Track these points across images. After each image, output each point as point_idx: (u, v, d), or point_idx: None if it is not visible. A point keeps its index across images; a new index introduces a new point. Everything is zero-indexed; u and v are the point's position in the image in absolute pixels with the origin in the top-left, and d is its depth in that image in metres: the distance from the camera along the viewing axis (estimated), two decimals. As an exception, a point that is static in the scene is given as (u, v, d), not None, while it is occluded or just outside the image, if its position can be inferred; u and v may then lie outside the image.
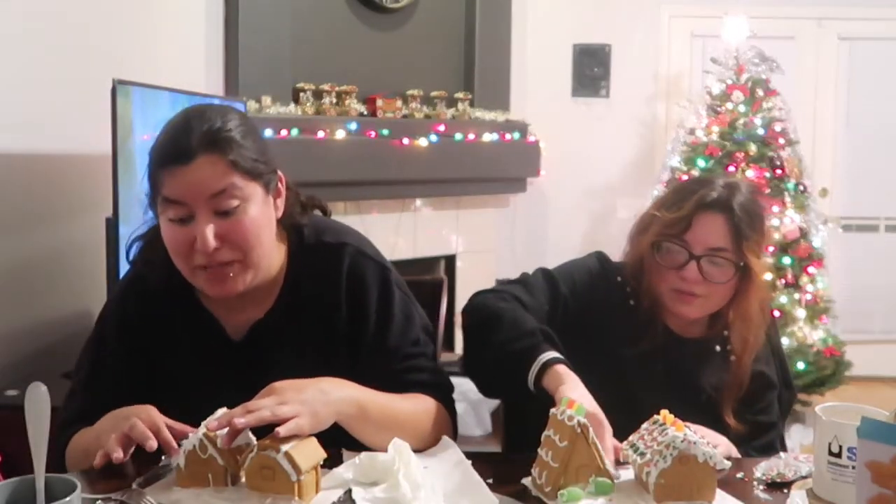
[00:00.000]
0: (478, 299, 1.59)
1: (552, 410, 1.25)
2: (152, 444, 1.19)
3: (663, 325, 1.62)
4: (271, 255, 1.40)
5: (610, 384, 1.49)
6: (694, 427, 1.27)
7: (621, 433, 1.33)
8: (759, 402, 1.64)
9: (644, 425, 1.30)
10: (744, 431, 1.58)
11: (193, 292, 1.43)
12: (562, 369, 1.38)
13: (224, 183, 1.28)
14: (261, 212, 1.34)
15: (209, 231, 1.28)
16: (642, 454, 1.24)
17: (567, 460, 1.19)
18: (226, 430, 1.18)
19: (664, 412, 1.29)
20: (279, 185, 1.40)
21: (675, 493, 1.19)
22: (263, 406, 1.19)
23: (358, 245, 1.47)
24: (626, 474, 1.27)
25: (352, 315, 1.43)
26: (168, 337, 1.44)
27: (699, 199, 1.57)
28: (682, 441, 1.19)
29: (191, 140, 1.28)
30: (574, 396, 1.29)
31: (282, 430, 1.15)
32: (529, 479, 1.25)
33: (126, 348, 1.43)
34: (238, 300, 1.40)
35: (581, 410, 1.21)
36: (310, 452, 1.17)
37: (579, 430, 1.20)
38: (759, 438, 1.61)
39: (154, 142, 1.34)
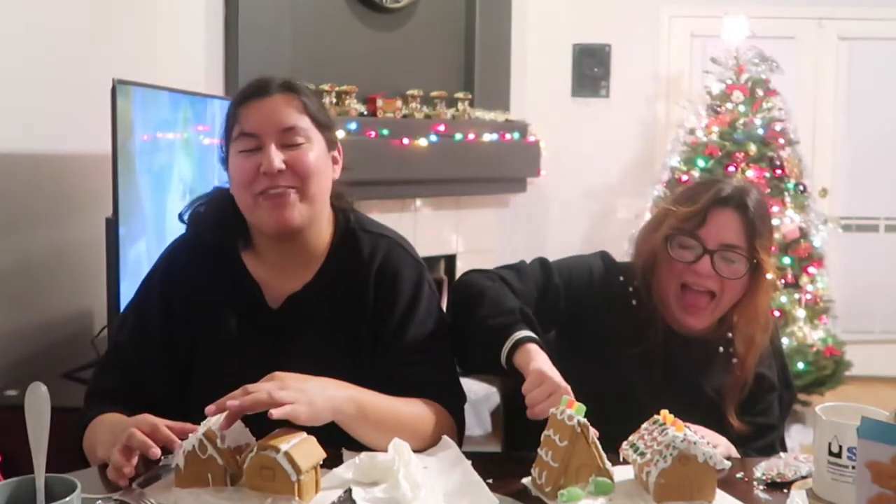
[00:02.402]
0: (466, 277, 1.61)
1: (552, 410, 1.25)
2: (155, 451, 1.19)
3: (665, 325, 1.62)
4: (325, 205, 1.48)
5: (610, 384, 1.50)
6: (694, 427, 1.27)
7: (621, 433, 1.33)
8: (759, 404, 1.64)
9: (644, 425, 1.30)
10: (746, 433, 1.58)
11: (241, 258, 1.49)
12: (532, 347, 1.39)
13: (295, 119, 1.42)
14: (322, 159, 1.44)
15: (275, 153, 1.38)
16: (642, 454, 1.24)
17: (567, 460, 1.19)
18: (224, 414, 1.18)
19: (664, 412, 1.29)
20: (338, 154, 1.51)
21: (675, 493, 1.19)
22: (262, 389, 1.20)
23: (397, 239, 1.54)
24: (626, 474, 1.27)
25: (379, 302, 1.47)
26: (210, 295, 1.48)
27: (714, 194, 1.58)
28: (682, 441, 1.19)
29: (270, 82, 1.44)
30: (545, 370, 1.31)
31: (276, 412, 1.17)
32: (529, 479, 1.25)
33: (166, 310, 1.47)
34: (280, 270, 1.47)
35: (581, 410, 1.21)
36: (309, 452, 1.18)
37: (579, 430, 1.20)
38: (760, 440, 1.61)
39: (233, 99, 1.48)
